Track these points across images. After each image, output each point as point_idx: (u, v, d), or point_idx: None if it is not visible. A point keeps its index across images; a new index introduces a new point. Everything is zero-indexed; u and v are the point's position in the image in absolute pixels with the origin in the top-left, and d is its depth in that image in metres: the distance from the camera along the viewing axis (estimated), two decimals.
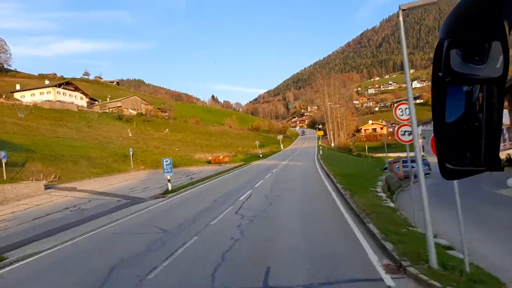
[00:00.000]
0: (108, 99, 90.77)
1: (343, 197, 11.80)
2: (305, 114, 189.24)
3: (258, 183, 18.21)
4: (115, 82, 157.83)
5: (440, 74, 0.71)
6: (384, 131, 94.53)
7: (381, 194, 13.25)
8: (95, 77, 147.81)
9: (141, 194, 17.52)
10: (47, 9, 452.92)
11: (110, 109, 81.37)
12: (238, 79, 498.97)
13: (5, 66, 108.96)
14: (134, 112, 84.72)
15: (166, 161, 16.20)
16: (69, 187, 22.73)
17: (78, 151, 35.01)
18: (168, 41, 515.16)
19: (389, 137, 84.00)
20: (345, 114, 68.26)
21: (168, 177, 16.43)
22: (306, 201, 12.53)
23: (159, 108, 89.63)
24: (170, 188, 16.43)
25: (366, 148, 57.51)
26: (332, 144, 59.31)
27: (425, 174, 25.98)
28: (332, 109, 64.95)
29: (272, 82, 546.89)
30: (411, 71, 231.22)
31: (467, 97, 0.76)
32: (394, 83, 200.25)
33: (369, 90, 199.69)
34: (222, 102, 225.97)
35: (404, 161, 29.32)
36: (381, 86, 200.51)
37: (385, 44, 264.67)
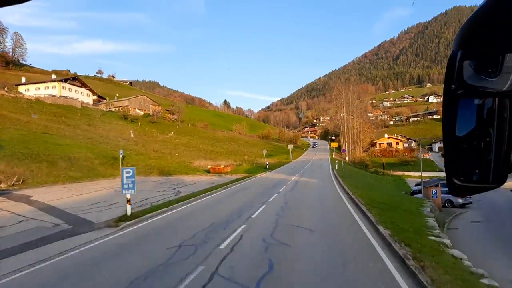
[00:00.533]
0: (116, 97, 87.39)
1: (404, 262, 6.44)
2: (317, 124, 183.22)
3: (258, 211, 12.95)
4: (128, 82, 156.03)
5: (452, 86, 0.69)
6: (400, 146, 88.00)
7: (456, 252, 7.82)
8: (108, 75, 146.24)
9: (96, 215, 12.51)
10: (69, 9, 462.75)
11: (117, 108, 77.71)
12: (252, 86, 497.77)
13: (21, 61, 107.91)
14: (141, 113, 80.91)
15: (127, 173, 11.04)
16: (24, 195, 17.93)
17: (61, 150, 30.52)
18: (185, 45, 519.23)
19: (406, 153, 77.49)
20: (362, 125, 62.57)
21: (128, 196, 11.30)
22: (337, 265, 6.81)
23: (168, 110, 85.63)
24: (129, 212, 11.27)
25: (384, 164, 51.80)
26: (347, 158, 53.75)
27: (466, 205, 19.56)
28: (348, 120, 59.43)
29: (286, 90, 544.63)
30: (428, 85, 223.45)
31: (478, 110, 0.72)
32: (410, 97, 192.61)
33: (384, 102, 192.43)
34: (235, 108, 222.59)
35: (444, 185, 23.61)
36: (397, 99, 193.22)
37: (402, 57, 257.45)
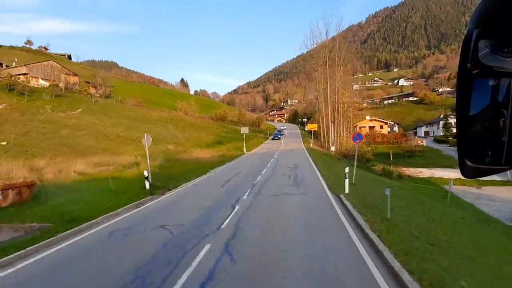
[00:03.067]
0: (14, 63, 61.49)
1: None
2: (285, 107, 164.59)
3: None
4: (66, 56, 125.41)
5: (468, 66, 0.66)
6: (385, 130, 71.12)
7: None
8: (39, 46, 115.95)
9: None
10: None
11: (13, 77, 52.37)
12: (221, 70, 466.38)
13: None
14: (47, 84, 56.37)
15: None
16: None
17: None
18: (149, 26, 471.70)
19: (396, 139, 60.40)
20: (352, 102, 43.37)
21: None
22: None
23: (88, 82, 61.52)
24: None
25: (391, 157, 32.93)
26: (332, 149, 35.04)
27: None
28: (334, 93, 39.50)
29: (254, 74, 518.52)
30: (395, 69, 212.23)
31: (493, 91, 0.69)
32: (380, 80, 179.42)
33: (354, 86, 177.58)
34: (199, 90, 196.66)
35: None
36: (366, 83, 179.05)
37: (370, 41, 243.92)
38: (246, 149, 33.40)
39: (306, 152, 30.74)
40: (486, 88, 0.68)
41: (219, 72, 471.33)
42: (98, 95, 58.85)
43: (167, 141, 35.69)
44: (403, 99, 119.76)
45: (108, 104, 53.56)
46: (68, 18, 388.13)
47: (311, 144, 37.75)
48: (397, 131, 71.92)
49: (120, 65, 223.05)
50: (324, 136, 41.85)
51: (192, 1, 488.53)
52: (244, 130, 34.85)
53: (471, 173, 0.73)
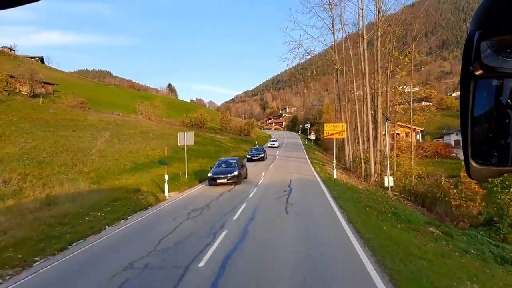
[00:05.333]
0: None
1: None
2: (283, 115, 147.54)
3: None
4: (37, 58, 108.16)
5: (470, 68, 0.64)
6: (412, 138, 53.26)
7: None
8: (2, 47, 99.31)
9: None
10: None
11: None
12: (220, 80, 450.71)
13: None
14: None
15: None
16: None
17: None
18: (149, 38, 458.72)
19: (437, 151, 42.49)
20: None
21: None
22: None
23: (12, 76, 44.00)
24: None
25: None
26: (390, 184, 14.54)
27: None
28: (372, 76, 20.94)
29: (252, 83, 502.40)
30: (397, 76, 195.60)
31: (496, 91, 0.67)
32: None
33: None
34: (195, 100, 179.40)
35: None
36: None
37: (370, 46, 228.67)
38: (178, 186, 15.00)
39: (321, 182, 13.02)
40: (489, 89, 0.66)
41: (217, 83, 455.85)
42: (25, 93, 41.36)
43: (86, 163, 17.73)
44: (415, 104, 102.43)
45: (26, 104, 35.87)
46: (64, 29, 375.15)
47: (334, 172, 17.11)
48: (420, 140, 54.88)
49: (114, 74, 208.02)
50: (349, 151, 24.23)
51: (192, 15, 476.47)
52: (186, 137, 15.98)
53: (477, 174, 0.70)
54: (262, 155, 27.62)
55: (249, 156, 27.17)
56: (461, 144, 0.72)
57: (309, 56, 23.10)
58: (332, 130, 18.23)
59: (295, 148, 40.46)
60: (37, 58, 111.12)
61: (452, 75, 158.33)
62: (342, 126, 18.41)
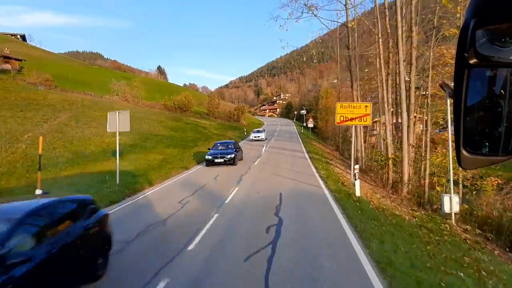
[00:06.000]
0: None
1: None
2: (277, 101, 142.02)
3: None
4: (18, 36, 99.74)
5: (465, 55, 0.63)
6: (417, 129, 48.95)
7: None
8: None
9: None
10: None
11: None
12: (213, 65, 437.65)
13: None
14: None
15: None
16: None
17: None
18: (143, 21, 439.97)
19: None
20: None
21: None
22: None
23: None
24: None
25: None
26: (456, 209, 8.37)
27: None
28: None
29: (247, 69, 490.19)
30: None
31: (490, 81, 0.66)
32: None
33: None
34: (188, 84, 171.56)
35: None
36: None
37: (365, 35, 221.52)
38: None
39: (326, 192, 9.58)
40: (483, 78, 0.65)
41: (213, 68, 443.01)
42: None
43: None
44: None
45: None
46: (57, 10, 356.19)
47: (357, 185, 10.16)
48: (430, 131, 49.77)
49: (105, 57, 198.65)
50: (361, 144, 19.32)
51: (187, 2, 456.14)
52: (119, 119, 9.68)
53: (468, 164, 0.70)
54: (232, 156, 16.74)
55: (209, 157, 16.71)
56: (453, 133, 0.71)
57: (310, 14, 17.55)
58: (349, 113, 12.10)
59: (289, 138, 35.34)
60: (18, 36, 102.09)
61: (448, 65, 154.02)
62: (366, 106, 12.47)
